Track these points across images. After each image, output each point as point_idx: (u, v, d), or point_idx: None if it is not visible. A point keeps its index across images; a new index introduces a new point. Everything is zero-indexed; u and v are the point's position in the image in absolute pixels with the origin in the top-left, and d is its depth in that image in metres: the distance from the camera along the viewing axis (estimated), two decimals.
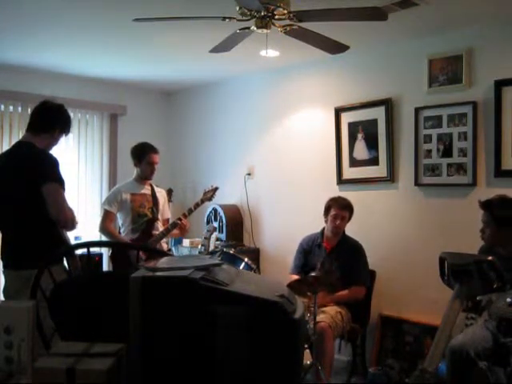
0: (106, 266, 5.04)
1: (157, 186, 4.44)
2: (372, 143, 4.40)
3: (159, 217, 4.29)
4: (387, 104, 4.28)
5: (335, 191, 4.46)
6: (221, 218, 5.30)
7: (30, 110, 4.79)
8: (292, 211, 5.00)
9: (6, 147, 4.68)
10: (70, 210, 2.86)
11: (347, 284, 3.82)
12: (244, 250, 5.02)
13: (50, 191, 2.75)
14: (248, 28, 2.99)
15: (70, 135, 3.19)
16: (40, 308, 1.73)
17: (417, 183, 4.13)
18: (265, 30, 2.93)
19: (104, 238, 4.32)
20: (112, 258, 4.26)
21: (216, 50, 3.39)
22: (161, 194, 4.41)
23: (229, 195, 5.45)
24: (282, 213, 5.11)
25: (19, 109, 5.04)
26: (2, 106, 5.02)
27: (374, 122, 4.38)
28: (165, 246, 4.38)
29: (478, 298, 3.01)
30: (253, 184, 5.39)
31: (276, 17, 2.88)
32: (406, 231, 4.22)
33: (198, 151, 5.98)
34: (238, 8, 2.84)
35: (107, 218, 4.19)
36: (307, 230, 4.24)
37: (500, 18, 3.61)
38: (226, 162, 5.66)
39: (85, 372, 1.31)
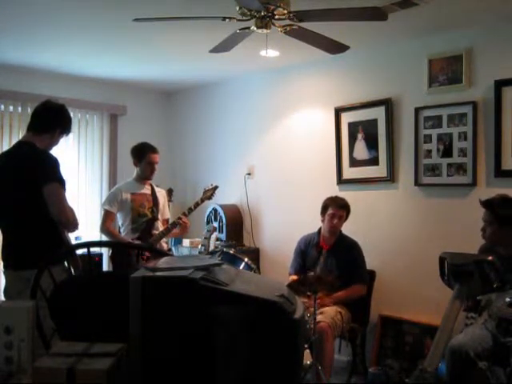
0: (105, 266, 5.04)
1: (157, 186, 4.44)
2: (372, 143, 4.40)
3: (159, 217, 4.29)
4: (387, 104, 4.28)
5: (335, 191, 4.46)
6: (221, 217, 5.30)
7: (30, 110, 4.83)
8: (292, 211, 5.01)
9: (5, 147, 4.68)
10: (71, 210, 2.86)
11: (346, 283, 3.83)
12: (244, 250, 5.02)
13: (50, 191, 2.75)
14: (248, 28, 2.99)
15: (70, 135, 3.19)
16: (40, 308, 1.73)
17: (417, 183, 4.13)
18: (265, 30, 2.93)
19: (104, 238, 4.32)
20: (112, 258, 4.26)
21: (216, 50, 3.39)
22: (161, 194, 4.41)
23: (229, 195, 5.45)
24: (282, 213, 5.11)
25: (19, 109, 5.04)
26: (2, 106, 5.02)
27: (374, 122, 4.38)
28: (165, 246, 4.38)
29: (477, 298, 3.01)
30: (253, 184, 5.39)
31: (276, 17, 2.88)
32: (406, 231, 4.22)
33: (198, 151, 5.98)
34: (238, 8, 2.84)
35: (108, 218, 4.19)
36: (307, 230, 4.25)
37: (500, 18, 3.61)
38: (226, 162, 5.66)
39: (85, 372, 1.31)
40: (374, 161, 4.40)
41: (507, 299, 2.72)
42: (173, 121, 6.27)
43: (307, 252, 4.10)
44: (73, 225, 2.88)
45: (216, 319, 1.36)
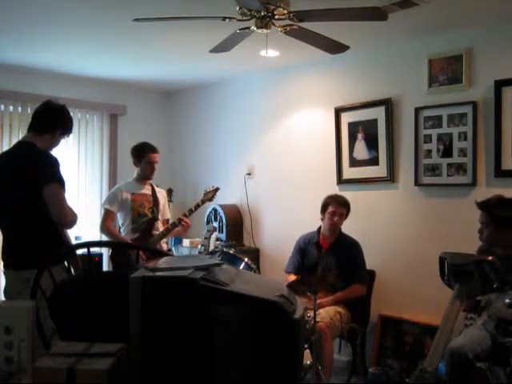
0: (106, 265, 5.04)
1: (157, 186, 4.44)
2: (372, 143, 4.40)
3: (159, 217, 4.29)
4: (387, 104, 4.28)
5: (335, 191, 4.44)
6: (221, 218, 5.30)
7: (30, 110, 4.84)
8: (292, 211, 5.00)
9: (5, 147, 4.68)
10: (71, 211, 2.86)
11: (346, 282, 3.83)
12: (244, 250, 5.02)
13: (50, 192, 2.75)
14: (248, 28, 2.99)
15: (71, 135, 3.19)
16: (40, 308, 1.73)
17: (417, 183, 4.13)
18: (265, 30, 2.93)
19: (104, 238, 4.32)
20: (112, 257, 4.26)
21: (216, 50, 3.39)
22: (161, 194, 4.41)
23: (229, 195, 5.45)
24: (282, 213, 5.11)
25: (19, 109, 5.04)
26: (2, 106, 5.02)
27: (374, 122, 4.38)
28: (165, 246, 4.38)
29: (477, 299, 3.00)
30: (253, 184, 5.39)
31: (276, 17, 2.88)
32: (406, 231, 4.22)
33: (198, 151, 5.98)
34: (238, 8, 2.84)
35: (108, 218, 4.19)
36: (307, 230, 4.24)
37: (500, 18, 3.61)
38: (226, 162, 5.66)
39: (85, 372, 1.31)
40: (373, 161, 4.40)
41: (507, 300, 2.71)
42: (173, 121, 6.27)
43: (307, 250, 4.10)
44: (72, 223, 2.89)
45: (216, 319, 1.36)
